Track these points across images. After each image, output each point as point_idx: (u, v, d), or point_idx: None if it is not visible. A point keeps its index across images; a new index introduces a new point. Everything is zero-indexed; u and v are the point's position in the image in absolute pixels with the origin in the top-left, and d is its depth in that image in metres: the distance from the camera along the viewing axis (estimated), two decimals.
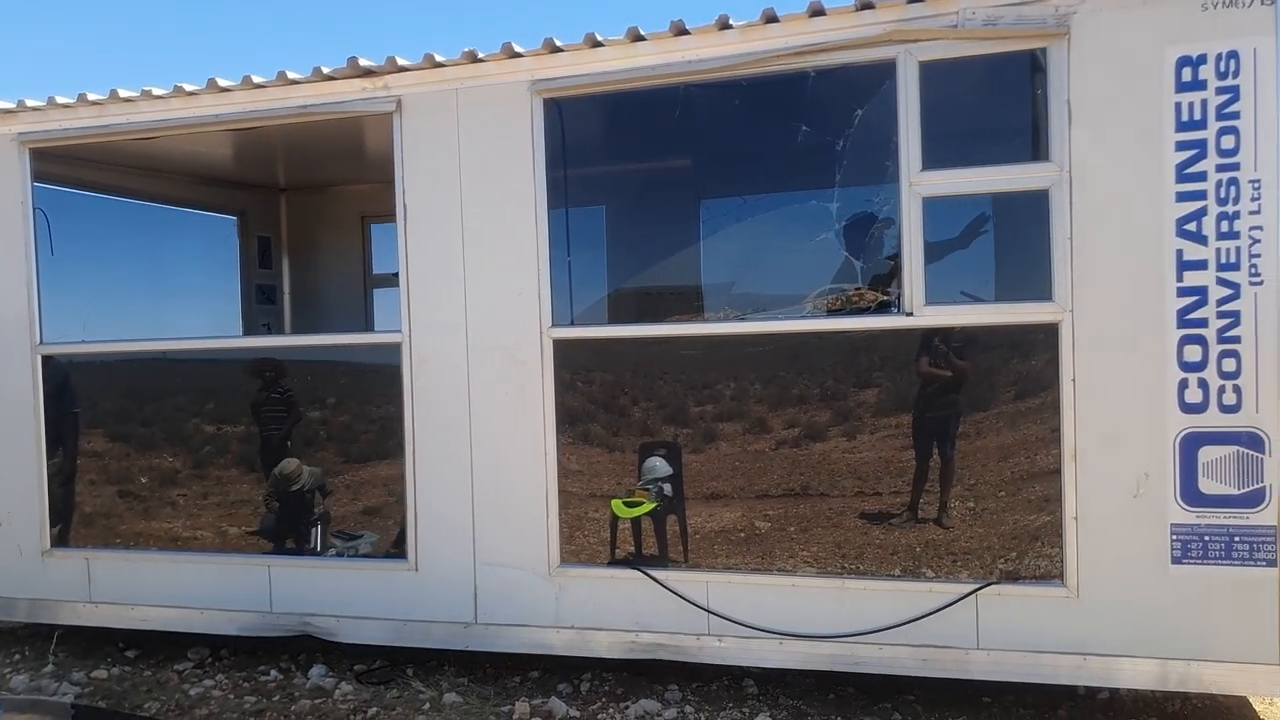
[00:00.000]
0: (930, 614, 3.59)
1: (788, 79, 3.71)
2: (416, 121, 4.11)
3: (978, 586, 3.54)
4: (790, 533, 3.84)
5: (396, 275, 6.60)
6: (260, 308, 6.75)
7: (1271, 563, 3.27)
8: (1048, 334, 3.46)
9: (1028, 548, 3.54)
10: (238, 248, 6.65)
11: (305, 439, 4.62)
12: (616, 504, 3.99)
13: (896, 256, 3.59)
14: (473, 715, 3.84)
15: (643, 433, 4.02)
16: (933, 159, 3.52)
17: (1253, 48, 3.19)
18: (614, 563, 3.99)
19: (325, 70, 4.12)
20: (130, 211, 5.99)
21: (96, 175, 5.43)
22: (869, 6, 3.50)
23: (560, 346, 3.97)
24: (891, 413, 3.78)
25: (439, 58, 4.01)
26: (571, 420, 4.01)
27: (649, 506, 3.96)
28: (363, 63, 4.06)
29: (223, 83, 4.23)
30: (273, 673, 4.34)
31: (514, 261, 3.99)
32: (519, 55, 3.92)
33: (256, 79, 4.20)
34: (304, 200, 6.80)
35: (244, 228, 6.68)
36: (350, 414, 4.59)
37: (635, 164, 4.22)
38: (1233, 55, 3.21)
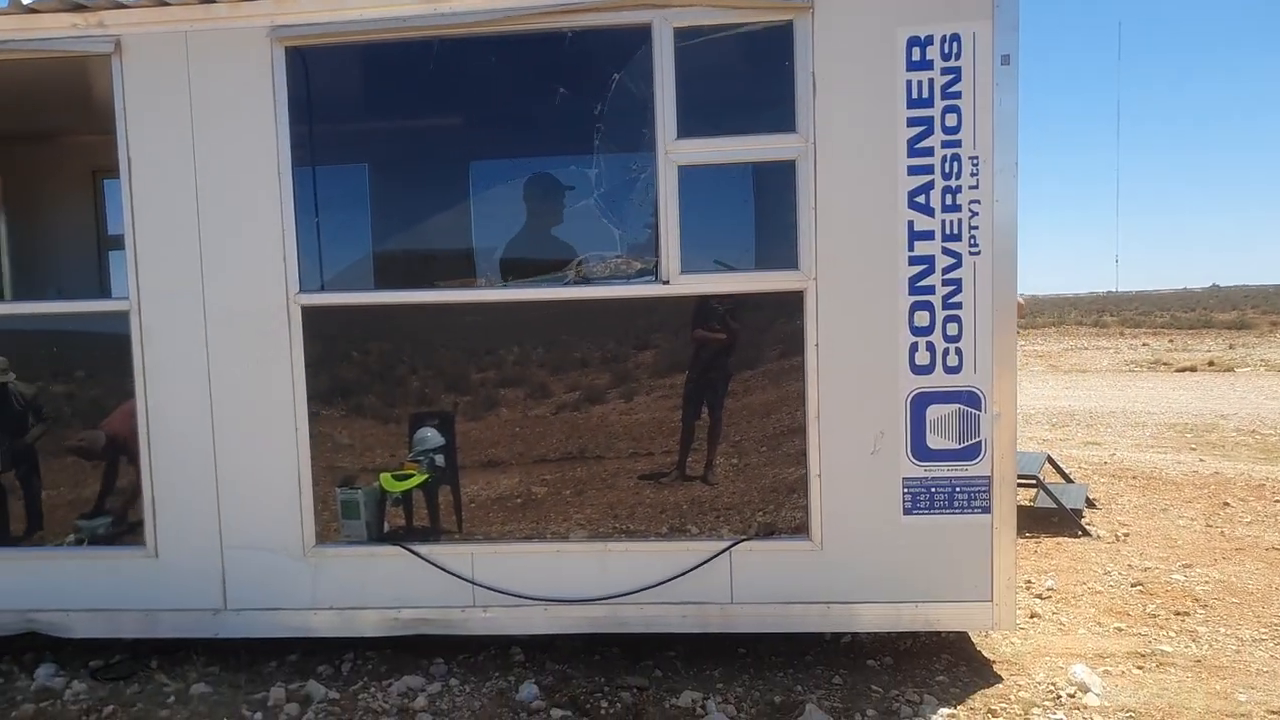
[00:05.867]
0: (688, 572, 3.69)
1: (547, 38, 3.62)
2: (140, 65, 3.71)
3: (730, 544, 3.68)
4: (565, 496, 3.83)
5: None
6: None
7: (986, 509, 3.58)
8: (795, 301, 3.59)
9: (780, 504, 3.70)
10: None
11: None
12: (385, 478, 3.84)
13: (654, 224, 3.61)
14: (223, 705, 3.61)
15: (408, 402, 3.88)
16: (688, 127, 3.55)
17: (972, 31, 3.39)
18: (374, 539, 3.85)
19: (26, 1, 3.64)
20: None
21: None
22: None
23: (310, 314, 3.74)
24: (661, 376, 3.82)
25: None
26: (341, 392, 3.81)
27: (420, 479, 3.84)
28: None
29: None
30: None
31: (256, 223, 3.70)
32: None
33: None
34: (23, 151, 6.06)
35: None
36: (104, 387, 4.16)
37: (398, 121, 4.00)
38: (955, 38, 3.40)
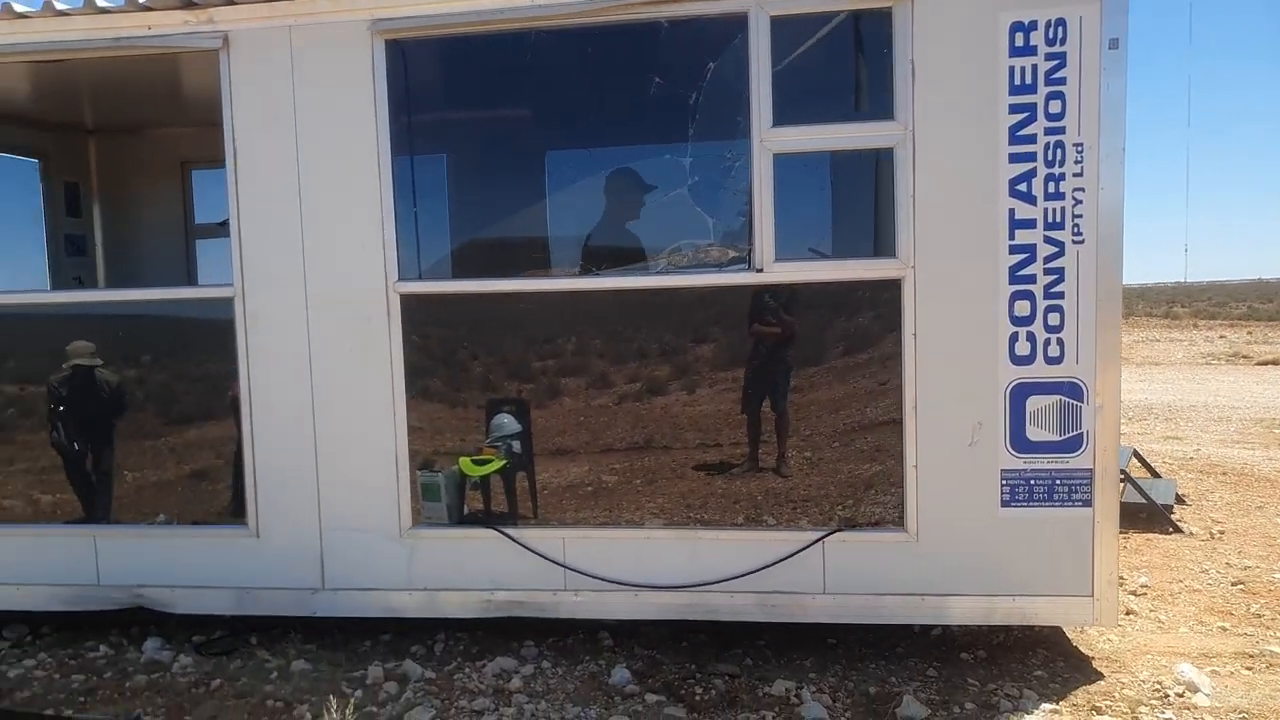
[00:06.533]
0: (779, 561, 3.69)
1: (642, 28, 3.64)
2: (246, 60, 3.81)
3: (824, 534, 3.67)
4: (636, 485, 3.86)
5: (221, 225, 6.34)
6: (70, 260, 6.24)
7: (1088, 503, 3.52)
8: (891, 289, 3.56)
9: (869, 495, 3.68)
10: (42, 194, 6.12)
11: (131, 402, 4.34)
12: (465, 462, 3.91)
13: (748, 213, 3.61)
14: (323, 682, 3.71)
15: (491, 389, 3.95)
16: (783, 115, 3.54)
17: (1079, 15, 3.32)
18: (469, 522, 3.92)
19: (141, 0, 3.76)
20: None
21: None
22: None
23: (408, 302, 3.82)
24: (743, 366, 3.82)
25: None
26: (418, 377, 3.89)
27: (498, 464, 3.90)
28: None
29: (19, 8, 3.81)
30: (102, 648, 4.07)
31: (356, 212, 3.79)
32: None
33: (60, 5, 3.80)
34: (116, 143, 6.28)
35: (48, 172, 6.13)
36: (171, 372, 4.32)
37: (484, 111, 4.06)
38: (1061, 22, 3.33)
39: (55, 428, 4.30)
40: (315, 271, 3.84)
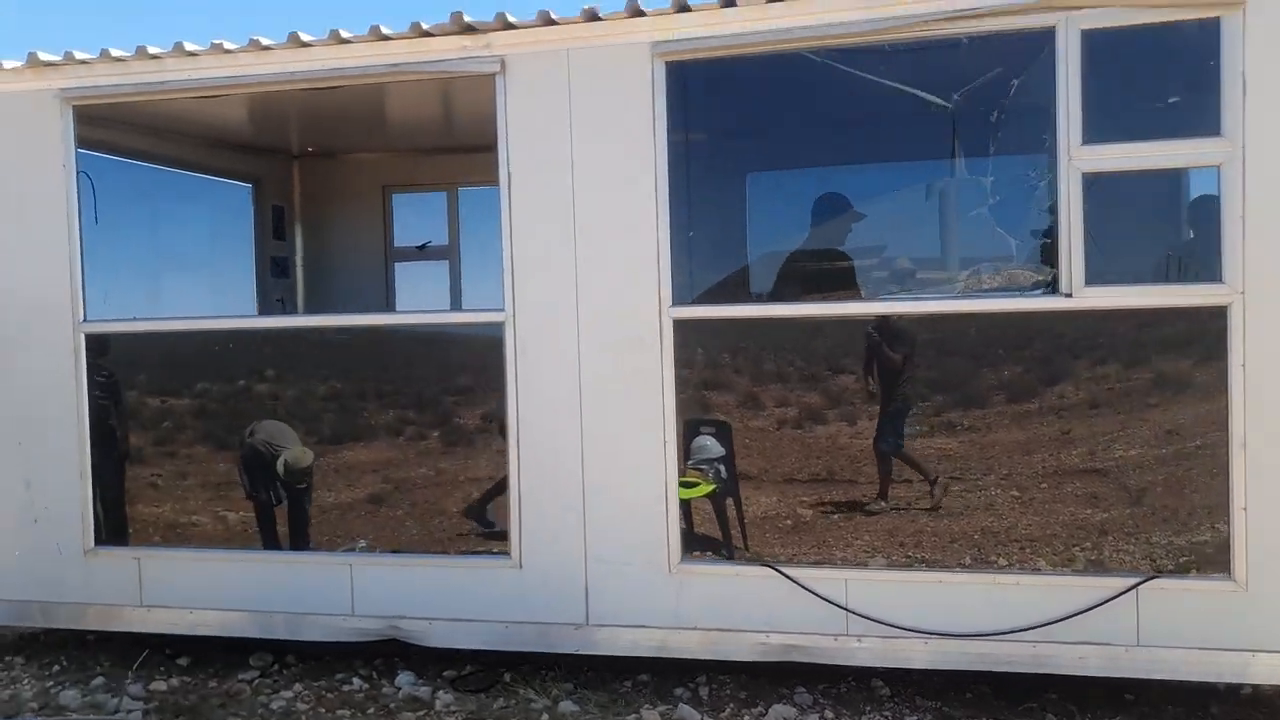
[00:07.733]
0: (1090, 609, 3.42)
1: (937, 46, 3.51)
2: (523, 84, 3.79)
3: (1140, 580, 3.40)
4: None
5: (420, 249, 6.41)
6: (274, 281, 6.36)
7: None
8: (1214, 317, 3.32)
9: (1181, 535, 3.42)
10: (253, 217, 6.27)
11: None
12: None
13: (1053, 234, 3.42)
14: None
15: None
16: (1094, 132, 3.35)
17: None
18: (742, 559, 3.76)
19: (423, 26, 3.78)
20: (129, 173, 5.49)
21: (105, 135, 4.93)
22: None
23: (681, 327, 3.71)
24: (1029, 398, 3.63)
25: (553, 15, 3.69)
26: (686, 405, 3.78)
27: (707, 488, 3.77)
28: (465, 19, 3.73)
29: (304, 37, 3.86)
30: (355, 681, 4.00)
31: (632, 236, 3.71)
32: (641, 14, 3.64)
33: (344, 34, 3.84)
34: (318, 168, 6.42)
35: (259, 196, 6.29)
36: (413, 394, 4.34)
37: (766, 133, 3.98)
38: None
39: (254, 491, 4.36)
40: (587, 295, 3.76)
